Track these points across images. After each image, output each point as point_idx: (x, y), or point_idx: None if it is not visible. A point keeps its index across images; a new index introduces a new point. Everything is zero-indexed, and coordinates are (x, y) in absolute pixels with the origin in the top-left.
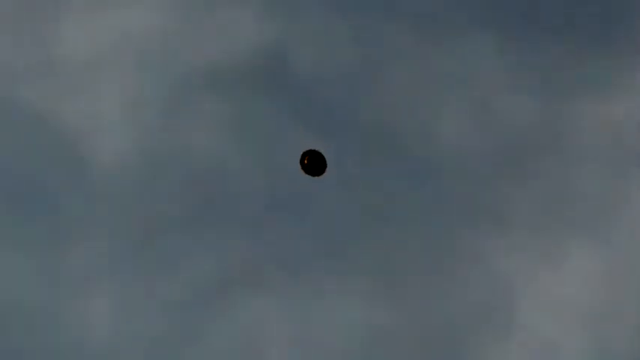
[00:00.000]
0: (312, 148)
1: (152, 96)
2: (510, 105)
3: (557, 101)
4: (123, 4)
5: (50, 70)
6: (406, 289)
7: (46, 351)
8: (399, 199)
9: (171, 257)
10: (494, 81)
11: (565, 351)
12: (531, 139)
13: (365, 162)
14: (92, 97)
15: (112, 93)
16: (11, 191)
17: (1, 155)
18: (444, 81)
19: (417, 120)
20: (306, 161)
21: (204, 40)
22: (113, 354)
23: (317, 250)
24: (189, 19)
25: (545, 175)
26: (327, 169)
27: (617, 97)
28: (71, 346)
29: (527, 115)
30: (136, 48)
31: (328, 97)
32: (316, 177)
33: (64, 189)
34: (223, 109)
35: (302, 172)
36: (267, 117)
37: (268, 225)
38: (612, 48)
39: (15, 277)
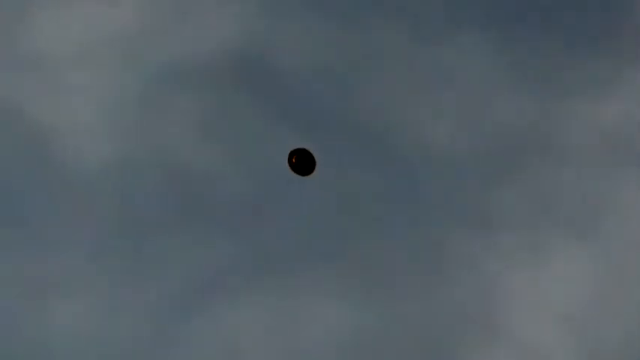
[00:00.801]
0: (299, 147)
1: (131, 94)
2: (502, 105)
3: (549, 101)
4: (101, 0)
5: (25, 68)
6: (393, 290)
7: (21, 356)
8: (387, 199)
9: (151, 259)
10: (485, 80)
11: (554, 353)
12: (522, 139)
13: (352, 162)
14: (69, 95)
15: (90, 91)
16: None
17: None
18: (434, 80)
19: (405, 120)
20: (294, 160)
21: (185, 37)
22: (93, 358)
23: (302, 252)
24: (169, 16)
25: (537, 175)
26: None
27: (609, 97)
28: (48, 350)
29: (518, 116)
30: (114, 45)
31: (313, 96)
32: (305, 176)
33: (41, 190)
34: (205, 108)
35: (291, 172)
36: (250, 116)
37: (251, 226)
38: (606, 48)
39: None
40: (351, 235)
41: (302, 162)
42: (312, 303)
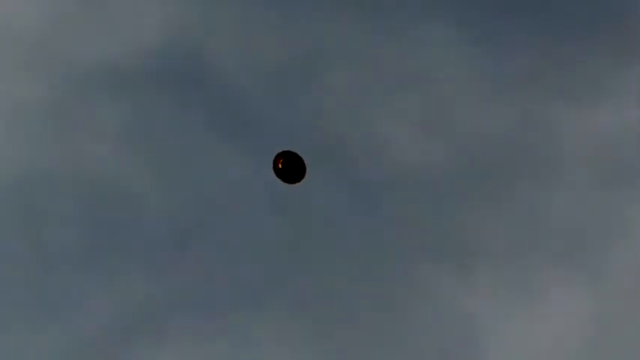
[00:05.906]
0: (286, 150)
1: (40, 102)
2: (478, 111)
3: (534, 108)
4: None
5: None
6: (350, 334)
7: None
8: (342, 225)
9: (59, 296)
10: (458, 82)
11: None
12: (503, 153)
13: (303, 181)
14: None
15: None
16: None
17: None
18: (396, 81)
19: (363, 129)
20: (280, 165)
21: (104, 34)
22: None
23: (239, 289)
24: (85, 9)
25: (520, 196)
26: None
27: (604, 104)
28: None
29: (498, 125)
30: (20, 45)
31: (255, 102)
32: (293, 184)
33: None
34: (126, 117)
35: (277, 179)
36: (181, 127)
37: (179, 258)
38: (598, 47)
39: None
40: (302, 269)
41: (290, 167)
42: (256, 350)
